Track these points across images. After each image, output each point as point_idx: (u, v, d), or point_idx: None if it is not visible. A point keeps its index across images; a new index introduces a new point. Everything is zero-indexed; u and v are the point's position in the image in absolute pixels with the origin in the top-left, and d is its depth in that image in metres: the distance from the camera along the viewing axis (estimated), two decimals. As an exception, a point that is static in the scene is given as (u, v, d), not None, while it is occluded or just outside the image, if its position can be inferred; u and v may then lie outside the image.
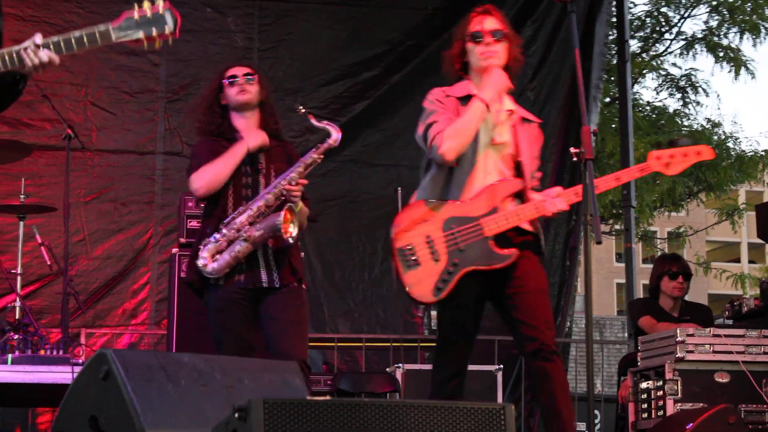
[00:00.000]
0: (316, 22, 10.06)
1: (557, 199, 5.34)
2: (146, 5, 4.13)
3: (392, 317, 9.98)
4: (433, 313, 10.91)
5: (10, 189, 8.71)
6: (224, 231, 5.74)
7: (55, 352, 7.21)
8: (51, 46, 4.09)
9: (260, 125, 5.95)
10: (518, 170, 5.42)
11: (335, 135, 5.86)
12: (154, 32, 4.11)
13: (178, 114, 9.74)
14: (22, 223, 8.09)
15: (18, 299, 7.87)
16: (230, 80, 5.96)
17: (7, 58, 4.10)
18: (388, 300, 9.93)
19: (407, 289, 5.31)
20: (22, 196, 8.12)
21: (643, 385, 7.21)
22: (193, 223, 7.66)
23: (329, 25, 10.12)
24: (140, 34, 4.10)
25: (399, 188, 8.70)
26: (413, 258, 5.29)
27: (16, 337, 7.40)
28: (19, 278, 7.95)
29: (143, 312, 9.47)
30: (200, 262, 5.72)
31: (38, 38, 4.10)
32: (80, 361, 7.01)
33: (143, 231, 9.59)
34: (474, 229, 5.28)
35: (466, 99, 5.39)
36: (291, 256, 5.86)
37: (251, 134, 5.90)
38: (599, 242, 4.63)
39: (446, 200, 5.35)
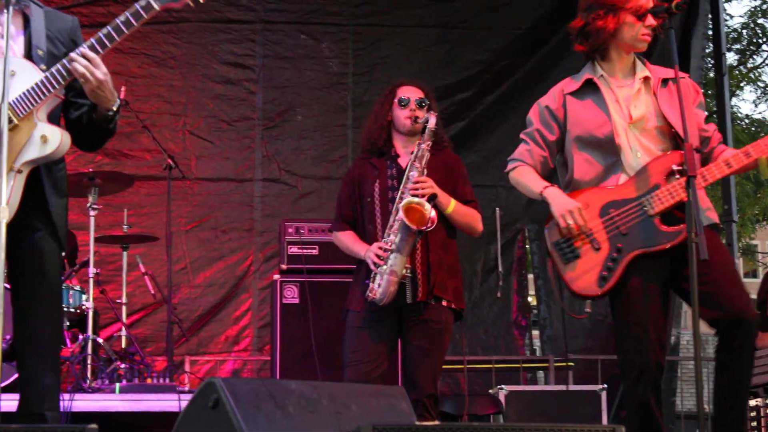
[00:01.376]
0: (409, 45, 10.07)
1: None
2: None
3: (493, 338, 9.92)
4: (534, 332, 10.85)
5: (113, 220, 8.83)
6: (378, 252, 5.73)
7: (161, 380, 7.28)
8: (102, 38, 4.17)
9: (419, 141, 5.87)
10: (674, 140, 5.02)
11: (432, 120, 5.79)
12: None
13: (276, 140, 9.83)
14: (125, 253, 8.20)
15: (124, 328, 7.97)
16: (401, 102, 5.97)
17: (56, 73, 4.17)
18: (488, 321, 9.87)
19: (569, 284, 4.99)
20: (125, 227, 8.24)
21: (752, 402, 7.05)
22: (294, 249, 7.69)
23: (423, 47, 10.10)
24: None
25: (497, 209, 8.65)
26: (570, 251, 4.99)
27: (122, 366, 7.49)
28: (124, 308, 8.06)
29: (246, 338, 9.53)
30: (370, 296, 5.70)
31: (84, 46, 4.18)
32: (185, 388, 7.07)
33: (243, 258, 9.67)
34: (635, 211, 4.92)
35: (583, 90, 5.13)
36: (441, 270, 5.79)
37: (368, 251, 5.86)
38: (705, 259, 4.48)
39: (598, 187, 5.05)
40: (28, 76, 4.15)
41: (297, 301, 7.44)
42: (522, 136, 5.30)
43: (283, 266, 7.63)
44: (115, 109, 4.32)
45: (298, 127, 9.93)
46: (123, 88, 7.85)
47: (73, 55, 4.15)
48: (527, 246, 10.39)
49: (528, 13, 10.14)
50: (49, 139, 4.15)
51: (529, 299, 10.64)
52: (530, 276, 10.56)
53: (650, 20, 4.99)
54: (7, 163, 3.98)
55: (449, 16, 10.12)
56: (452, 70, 10.05)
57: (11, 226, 3.87)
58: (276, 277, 7.58)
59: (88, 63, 4.13)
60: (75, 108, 4.43)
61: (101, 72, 4.16)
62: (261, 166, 9.81)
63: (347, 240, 6.03)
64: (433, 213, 5.65)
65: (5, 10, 4.12)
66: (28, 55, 4.27)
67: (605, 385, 8.16)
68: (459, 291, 5.91)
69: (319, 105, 9.94)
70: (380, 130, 6.02)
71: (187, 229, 9.54)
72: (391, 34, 10.07)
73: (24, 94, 4.13)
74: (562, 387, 8.50)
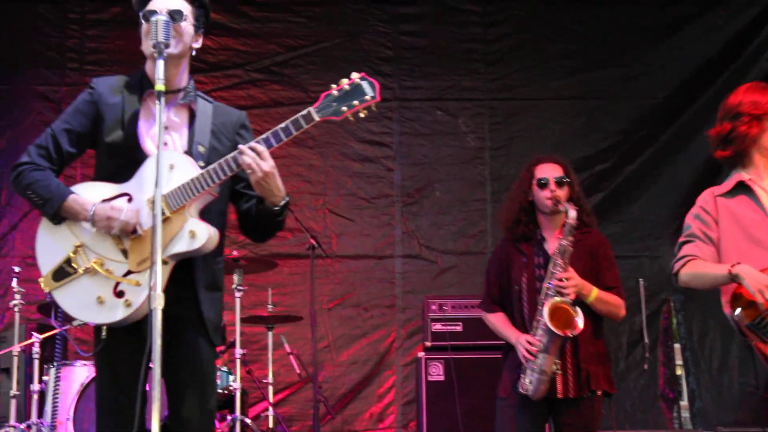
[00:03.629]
0: (546, 118, 10.06)
1: None
2: (343, 80, 4.25)
3: (640, 412, 9.72)
4: (683, 403, 10.61)
5: (256, 299, 8.94)
6: (527, 347, 5.70)
7: (307, 460, 7.31)
8: (262, 143, 4.23)
9: (563, 222, 5.84)
10: None
11: (572, 213, 5.72)
12: (355, 103, 4.21)
13: (415, 217, 9.87)
14: (270, 333, 8.27)
15: (270, 408, 8.03)
16: (540, 183, 5.96)
17: (224, 166, 4.25)
18: (635, 395, 9.68)
19: None
20: (269, 306, 8.32)
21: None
22: (438, 326, 7.69)
23: (560, 119, 10.08)
24: (342, 108, 4.21)
25: (641, 279, 8.53)
26: None
27: (270, 445, 7.54)
28: (270, 387, 8.11)
29: (390, 415, 9.50)
30: (521, 390, 5.69)
31: (253, 142, 4.24)
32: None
33: (386, 335, 9.68)
34: None
35: (734, 191, 5.06)
36: (590, 364, 5.75)
37: (518, 341, 5.85)
38: None
39: None
40: (185, 171, 4.25)
41: (442, 378, 7.44)
42: (682, 238, 5.15)
43: (428, 343, 7.64)
44: (282, 204, 4.40)
45: (437, 203, 9.96)
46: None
47: (241, 147, 4.23)
48: (673, 316, 10.20)
49: (664, 82, 10.06)
50: (197, 234, 4.23)
51: (677, 371, 10.42)
52: (676, 346, 10.36)
53: None
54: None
55: (585, 87, 10.11)
56: (590, 141, 10.00)
57: (163, 316, 3.93)
58: (420, 354, 7.59)
59: (256, 155, 4.21)
60: (245, 200, 4.55)
61: (268, 165, 4.23)
62: (401, 242, 9.85)
63: (498, 322, 6.00)
64: (580, 320, 5.61)
65: (171, 104, 4.25)
66: (189, 150, 4.38)
67: (756, 458, 7.94)
68: (609, 376, 5.86)
69: (457, 180, 9.97)
70: (522, 212, 5.99)
71: (330, 307, 9.60)
72: (528, 108, 10.08)
73: (179, 188, 4.23)
74: (713, 460, 8.30)
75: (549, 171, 5.95)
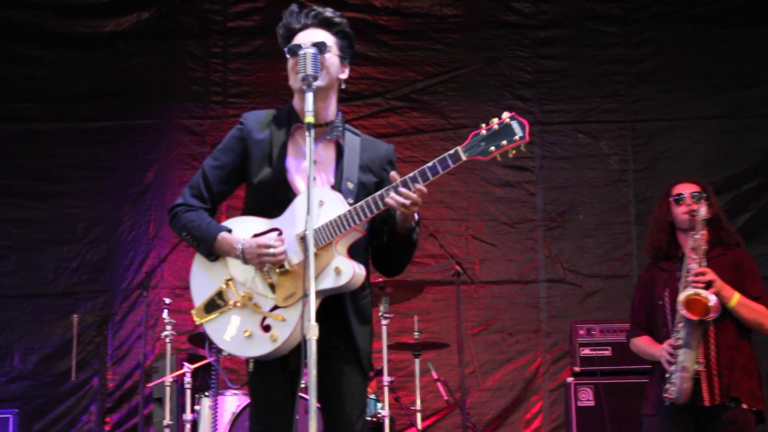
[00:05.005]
0: (691, 138, 9.91)
1: None
2: (493, 120, 4.20)
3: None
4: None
5: (401, 326, 8.96)
6: (668, 349, 5.66)
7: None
8: (408, 182, 4.23)
9: (709, 240, 5.80)
10: None
11: (702, 210, 5.73)
12: (504, 143, 4.15)
13: (558, 241, 9.82)
14: (417, 360, 8.28)
15: (419, 435, 8.04)
16: (676, 198, 5.92)
17: (372, 204, 4.26)
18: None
19: None
20: (416, 333, 8.33)
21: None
22: (586, 351, 7.63)
23: (705, 138, 9.92)
24: (491, 148, 4.16)
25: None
26: None
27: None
28: (418, 415, 8.11)
29: (538, 441, 9.46)
30: (666, 397, 5.63)
31: (398, 177, 4.25)
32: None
33: (532, 360, 9.62)
34: None
35: None
36: (734, 371, 5.66)
37: (661, 350, 5.79)
38: None
39: None
40: (334, 208, 4.28)
41: (592, 403, 7.38)
42: None
43: (576, 368, 7.58)
44: (417, 218, 4.41)
45: (581, 227, 9.88)
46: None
47: (389, 195, 4.23)
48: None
49: (812, 98, 9.87)
50: (343, 271, 4.25)
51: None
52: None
53: None
54: (300, 289, 4.14)
55: (730, 106, 9.95)
56: (736, 161, 9.83)
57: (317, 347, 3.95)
58: (569, 379, 7.54)
59: (403, 197, 4.21)
60: (378, 234, 4.56)
61: (414, 206, 4.25)
62: (545, 267, 9.80)
63: (643, 344, 5.97)
64: (714, 301, 5.52)
65: (319, 139, 4.30)
66: (338, 186, 4.42)
67: None
68: (756, 392, 5.72)
69: (601, 203, 9.88)
70: (663, 233, 5.98)
71: (474, 332, 9.59)
72: (671, 128, 9.96)
73: (327, 224, 4.26)
74: None
75: (685, 188, 5.93)
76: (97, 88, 10.20)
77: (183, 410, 7.82)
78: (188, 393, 7.79)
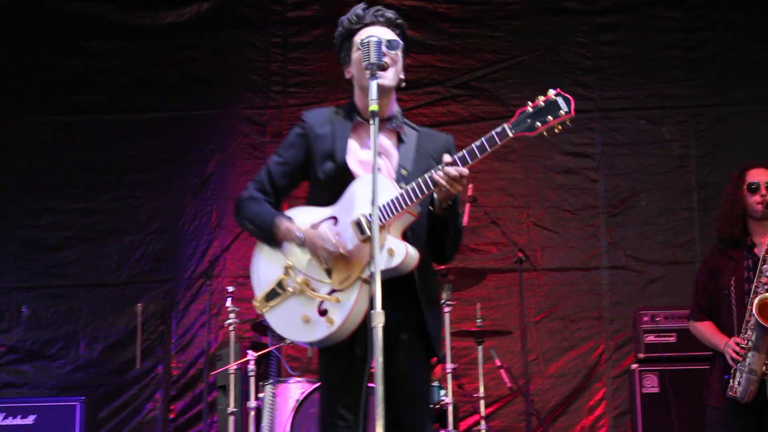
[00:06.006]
0: (753, 123, 9.81)
1: None
2: (539, 97, 4.25)
3: None
4: None
5: (463, 314, 8.95)
6: (735, 348, 5.62)
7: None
8: (457, 161, 4.26)
9: None
10: None
11: None
12: (550, 119, 4.20)
13: (620, 227, 9.77)
14: (480, 347, 8.28)
15: (483, 422, 8.03)
16: (751, 188, 5.87)
17: (422, 184, 4.28)
18: None
19: None
20: (478, 321, 8.34)
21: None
22: (651, 338, 7.59)
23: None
24: (537, 124, 4.19)
25: None
26: None
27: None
28: (482, 402, 8.12)
29: (601, 428, 9.40)
30: (730, 394, 5.61)
31: (448, 158, 4.27)
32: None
33: (594, 347, 9.58)
34: None
35: None
36: None
37: (726, 345, 5.74)
38: None
39: None
40: (386, 192, 4.30)
41: (657, 390, 7.35)
42: None
43: (641, 355, 7.55)
44: (458, 201, 4.50)
45: (643, 213, 9.82)
46: (470, 185, 8.04)
47: (433, 174, 4.27)
48: None
49: None
50: (395, 253, 4.27)
51: None
52: None
53: None
54: (355, 272, 4.21)
55: (793, 90, 9.85)
56: (802, 145, 9.74)
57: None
58: (634, 366, 7.51)
59: (450, 177, 4.24)
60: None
61: (461, 184, 4.27)
62: (607, 253, 9.76)
63: (705, 331, 5.92)
64: None
65: (380, 131, 4.32)
66: (398, 174, 4.46)
67: None
68: None
69: (663, 189, 9.82)
70: (734, 219, 5.91)
71: (537, 320, 9.56)
72: (734, 113, 9.87)
73: (380, 208, 4.26)
74: None
75: (760, 175, 5.86)
76: (158, 79, 10.29)
77: (247, 398, 7.87)
78: (252, 380, 7.83)
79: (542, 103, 4.21)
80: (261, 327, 8.09)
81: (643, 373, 7.33)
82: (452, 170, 4.23)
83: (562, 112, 4.19)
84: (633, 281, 9.65)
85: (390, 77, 4.41)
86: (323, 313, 4.33)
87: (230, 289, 8.19)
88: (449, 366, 7.75)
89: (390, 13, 4.58)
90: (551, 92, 4.24)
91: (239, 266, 9.69)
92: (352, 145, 4.51)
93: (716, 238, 6.09)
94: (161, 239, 10.06)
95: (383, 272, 4.22)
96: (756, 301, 5.53)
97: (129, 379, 9.80)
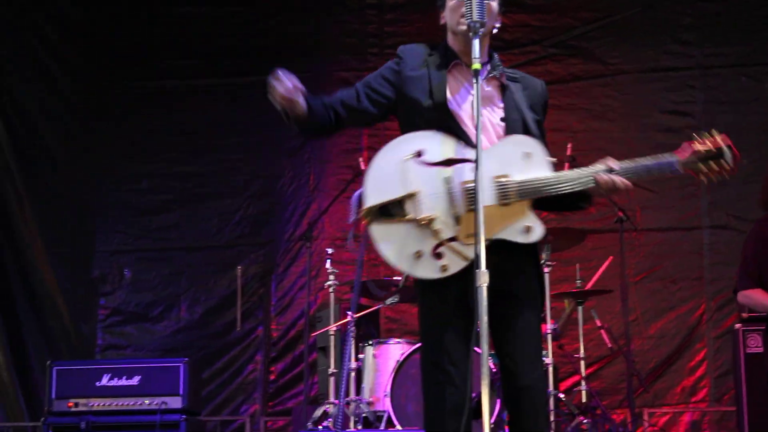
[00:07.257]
0: None
1: None
2: (709, 140, 4.37)
3: None
4: None
5: (562, 275, 8.92)
6: None
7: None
8: (623, 173, 4.30)
9: None
10: None
11: None
12: (713, 165, 4.31)
13: (721, 187, 9.57)
14: (580, 308, 8.24)
15: (583, 382, 8.01)
16: None
17: (582, 179, 4.27)
18: None
19: None
20: (578, 281, 8.30)
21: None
22: (755, 298, 7.47)
23: None
24: (702, 168, 4.32)
25: None
26: None
27: (585, 420, 7.53)
28: (582, 362, 8.09)
29: (702, 389, 9.34)
30: None
31: (613, 164, 4.30)
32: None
33: (695, 307, 9.51)
34: None
35: None
36: None
37: None
38: None
39: None
40: (539, 166, 4.28)
41: (761, 350, 7.22)
42: None
43: (744, 314, 7.44)
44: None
45: (744, 172, 9.58)
46: (569, 145, 7.98)
47: (600, 177, 4.30)
48: None
49: None
50: (533, 231, 4.25)
51: None
52: None
53: None
54: (485, 233, 4.03)
55: None
56: None
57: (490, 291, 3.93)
58: (737, 326, 7.38)
59: (613, 186, 4.30)
60: None
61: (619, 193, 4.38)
62: (707, 213, 9.64)
63: (759, 297, 5.88)
64: None
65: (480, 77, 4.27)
66: (509, 121, 4.39)
67: None
68: None
69: (765, 148, 9.63)
70: None
71: (636, 280, 9.47)
72: (839, 70, 9.67)
73: (534, 183, 4.24)
74: None
75: None
76: (251, 42, 10.36)
77: (347, 359, 7.91)
78: (351, 342, 7.86)
79: (713, 149, 4.34)
80: (362, 288, 8.09)
81: (746, 333, 7.18)
82: (620, 182, 4.29)
83: (725, 163, 4.36)
84: (734, 241, 9.47)
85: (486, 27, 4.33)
86: (438, 256, 4.22)
87: (329, 251, 8.23)
88: (549, 326, 7.74)
89: None
90: (719, 139, 4.38)
91: (338, 228, 9.76)
92: (451, 86, 4.44)
93: (761, 205, 6.04)
94: (260, 203, 10.16)
95: (511, 243, 4.23)
96: None
97: (230, 341, 9.94)
